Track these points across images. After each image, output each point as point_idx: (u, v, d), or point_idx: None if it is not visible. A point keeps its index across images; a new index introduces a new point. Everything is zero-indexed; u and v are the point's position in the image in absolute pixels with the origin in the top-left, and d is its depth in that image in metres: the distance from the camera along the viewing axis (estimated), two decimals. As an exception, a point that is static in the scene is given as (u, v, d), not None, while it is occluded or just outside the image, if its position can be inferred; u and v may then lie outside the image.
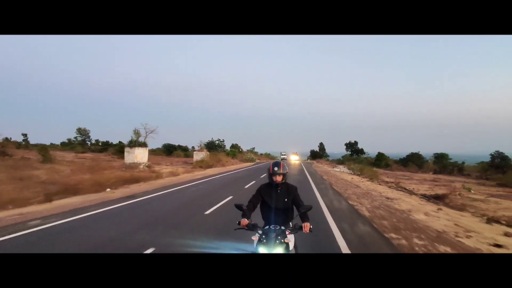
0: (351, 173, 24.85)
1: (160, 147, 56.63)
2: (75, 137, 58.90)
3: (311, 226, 2.59)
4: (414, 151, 55.43)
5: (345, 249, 4.53)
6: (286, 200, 2.82)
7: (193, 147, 52.95)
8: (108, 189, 10.67)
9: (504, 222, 7.20)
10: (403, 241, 5.04)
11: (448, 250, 4.68)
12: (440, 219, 7.25)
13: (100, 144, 57.15)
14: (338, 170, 29.66)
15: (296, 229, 2.59)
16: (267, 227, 2.64)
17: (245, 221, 2.62)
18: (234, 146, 62.84)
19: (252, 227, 2.59)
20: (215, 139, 58.08)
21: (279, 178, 2.79)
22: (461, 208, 9.52)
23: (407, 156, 55.93)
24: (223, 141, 60.12)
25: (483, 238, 5.49)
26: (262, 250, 2.39)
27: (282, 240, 2.43)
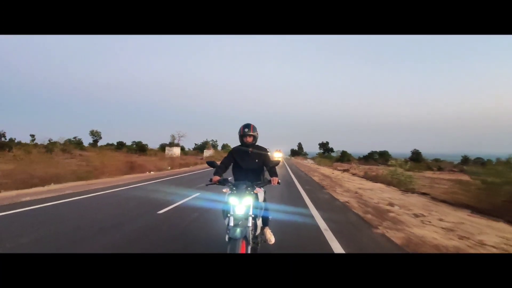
0: (314, 163, 38.18)
1: (158, 147, 64.86)
2: (74, 137, 64.21)
3: (279, 180, 2.74)
4: (383, 149, 70.13)
5: (291, 173, 17.24)
6: (257, 161, 2.93)
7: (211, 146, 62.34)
8: (190, 167, 22.91)
9: (352, 172, 20.52)
10: (307, 172, 17.97)
11: (315, 175, 17.61)
12: (328, 171, 20.38)
13: (110, 144, 66.45)
14: (306, 162, 43.04)
15: (265, 183, 2.71)
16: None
17: (216, 178, 2.71)
18: (226, 146, 74.85)
19: (223, 181, 2.68)
20: (209, 139, 69.84)
21: (249, 139, 2.88)
22: (346, 171, 22.86)
23: (368, 154, 71.20)
24: (216, 141, 72.14)
25: (331, 172, 18.63)
26: (233, 199, 2.47)
27: (252, 191, 2.55)
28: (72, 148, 35.22)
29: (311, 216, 5.03)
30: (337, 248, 3.37)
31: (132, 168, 14.90)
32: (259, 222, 2.82)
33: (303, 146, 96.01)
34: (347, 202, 6.80)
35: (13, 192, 7.13)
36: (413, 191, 9.84)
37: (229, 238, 2.30)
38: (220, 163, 2.98)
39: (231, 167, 3.03)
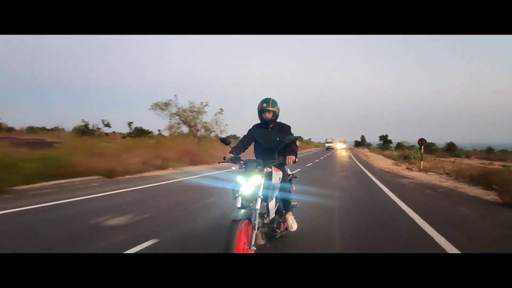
0: (368, 151, 57.09)
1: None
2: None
3: (295, 159, 2.55)
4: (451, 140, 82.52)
5: (351, 154, 38.18)
6: (278, 139, 2.73)
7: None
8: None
9: (383, 155, 40.37)
10: (358, 154, 38.86)
11: (361, 155, 38.27)
12: (369, 154, 40.70)
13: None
14: (363, 150, 62.09)
15: (279, 161, 2.57)
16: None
17: (229, 155, 2.60)
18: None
19: (235, 159, 2.56)
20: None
21: (268, 115, 2.72)
22: (382, 155, 42.45)
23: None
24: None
25: (371, 155, 39.19)
26: (241, 178, 2.37)
27: (263, 170, 2.39)
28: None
29: (352, 159, 27.03)
30: (353, 159, 25.57)
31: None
32: (272, 205, 2.64)
33: (365, 138, 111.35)
34: (364, 157, 28.49)
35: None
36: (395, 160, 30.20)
37: (232, 220, 2.09)
38: (239, 141, 2.88)
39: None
